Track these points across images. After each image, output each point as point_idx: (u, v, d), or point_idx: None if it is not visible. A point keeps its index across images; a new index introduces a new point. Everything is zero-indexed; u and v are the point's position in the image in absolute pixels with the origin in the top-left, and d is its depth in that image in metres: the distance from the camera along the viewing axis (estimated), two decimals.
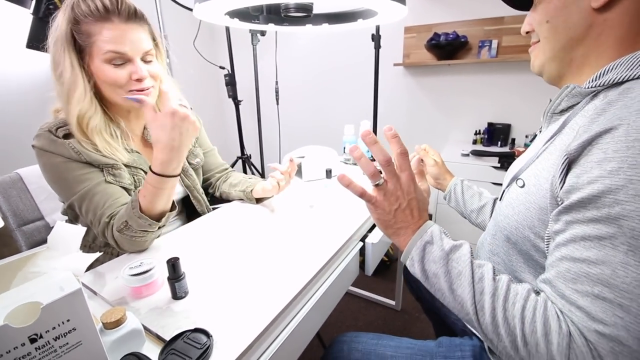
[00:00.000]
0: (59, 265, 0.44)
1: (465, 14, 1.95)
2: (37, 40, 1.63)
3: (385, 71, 2.26)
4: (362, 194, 0.49)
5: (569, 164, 0.42)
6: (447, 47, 1.92)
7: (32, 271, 0.44)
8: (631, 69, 0.43)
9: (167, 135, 0.64)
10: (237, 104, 2.25)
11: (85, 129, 0.72)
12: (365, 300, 1.68)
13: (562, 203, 0.42)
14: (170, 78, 0.85)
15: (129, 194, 0.79)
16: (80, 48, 0.71)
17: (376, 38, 1.51)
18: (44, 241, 1.02)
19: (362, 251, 0.87)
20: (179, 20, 1.69)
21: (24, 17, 1.57)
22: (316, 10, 0.84)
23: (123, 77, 0.71)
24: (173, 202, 0.75)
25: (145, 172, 0.82)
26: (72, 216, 0.81)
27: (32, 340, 0.36)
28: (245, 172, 2.47)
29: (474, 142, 2.12)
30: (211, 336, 0.48)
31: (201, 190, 0.98)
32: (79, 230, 0.48)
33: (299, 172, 1.22)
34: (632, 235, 0.35)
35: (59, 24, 0.70)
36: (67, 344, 0.39)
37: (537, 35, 0.54)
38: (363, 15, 0.87)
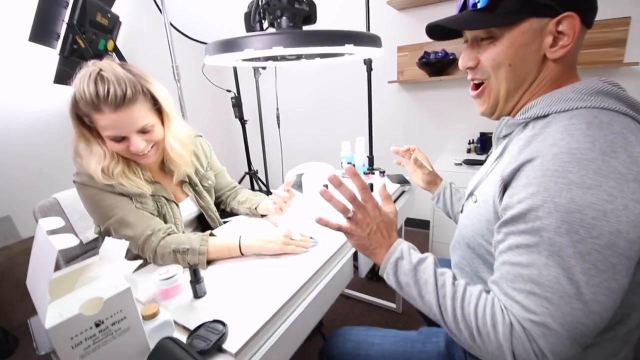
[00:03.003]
0: (110, 272, 0.57)
1: None
2: (63, 76, 1.82)
3: (381, 88, 2.40)
4: (339, 228, 0.61)
5: (504, 186, 0.51)
6: (437, 64, 2.06)
7: (89, 276, 0.58)
8: (550, 106, 0.53)
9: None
10: (243, 123, 2.42)
11: (111, 176, 0.84)
12: (368, 304, 1.78)
13: (501, 217, 0.51)
14: (181, 120, 0.98)
15: None
16: (89, 125, 0.83)
17: (368, 62, 1.66)
18: (78, 256, 1.17)
19: (356, 256, 0.99)
20: (189, 49, 1.88)
21: (52, 56, 1.77)
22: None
23: (124, 150, 0.84)
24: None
25: (166, 199, 0.96)
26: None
27: (97, 325, 0.49)
28: (252, 185, 2.61)
29: (469, 150, 2.23)
30: (226, 325, 0.61)
31: (214, 209, 1.12)
32: (123, 243, 0.61)
33: (299, 187, 1.35)
34: (550, 243, 0.44)
35: (70, 101, 0.79)
36: (120, 328, 0.52)
37: (484, 73, 0.59)
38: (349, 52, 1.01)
